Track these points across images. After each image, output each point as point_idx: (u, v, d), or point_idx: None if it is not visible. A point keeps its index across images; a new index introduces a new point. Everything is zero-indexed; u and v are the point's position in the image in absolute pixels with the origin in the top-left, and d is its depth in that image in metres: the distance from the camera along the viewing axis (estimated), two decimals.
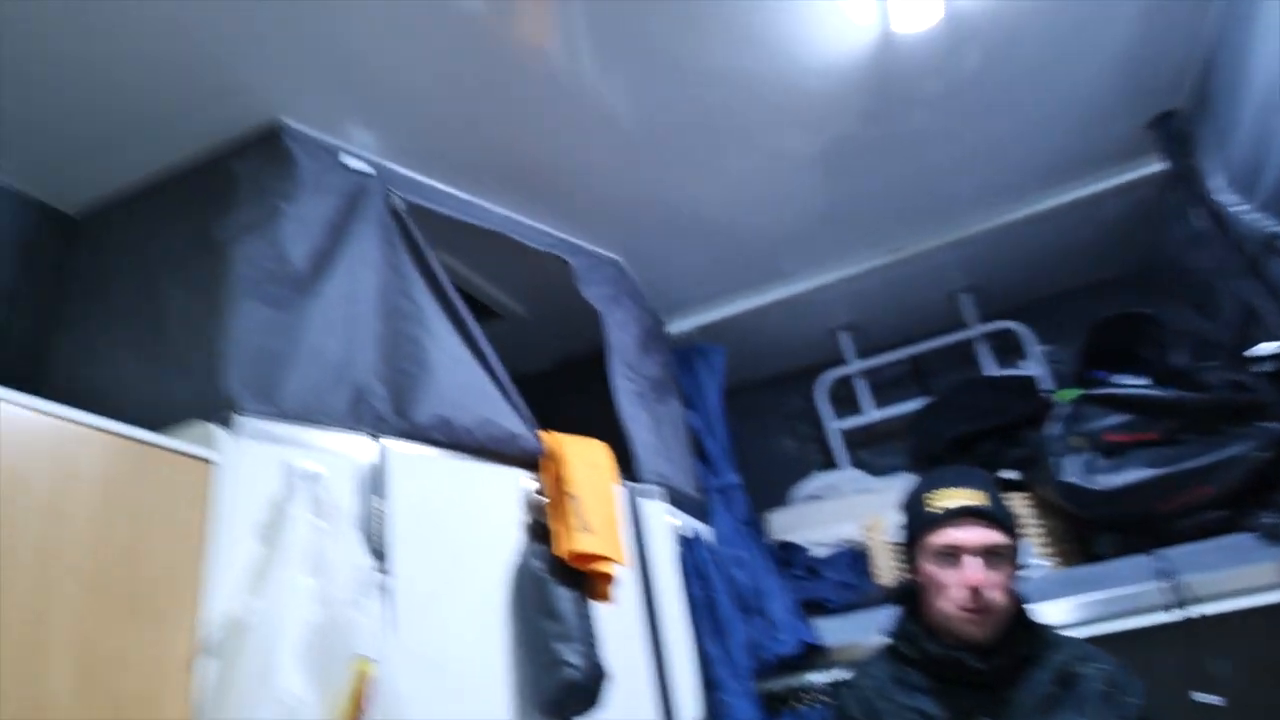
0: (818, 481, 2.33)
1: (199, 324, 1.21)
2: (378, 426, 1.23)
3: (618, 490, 1.49)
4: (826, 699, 1.70)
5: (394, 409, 1.26)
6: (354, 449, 1.18)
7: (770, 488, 2.44)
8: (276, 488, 1.05)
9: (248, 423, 1.09)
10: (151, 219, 1.47)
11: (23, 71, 1.28)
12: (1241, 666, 1.54)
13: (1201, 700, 1.51)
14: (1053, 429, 1.78)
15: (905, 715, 1.41)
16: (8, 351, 1.40)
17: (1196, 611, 1.54)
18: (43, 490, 0.86)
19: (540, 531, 1.31)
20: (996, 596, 1.36)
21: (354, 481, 1.15)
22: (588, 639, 1.20)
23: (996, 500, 1.41)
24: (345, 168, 1.46)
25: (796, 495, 2.33)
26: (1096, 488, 1.67)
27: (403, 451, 1.24)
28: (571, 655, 1.17)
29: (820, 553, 2.06)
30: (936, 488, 1.42)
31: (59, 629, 0.83)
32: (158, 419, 1.06)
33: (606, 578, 1.29)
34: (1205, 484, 1.61)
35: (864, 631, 1.72)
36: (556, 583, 1.22)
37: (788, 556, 2.05)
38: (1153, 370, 1.80)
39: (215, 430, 1.06)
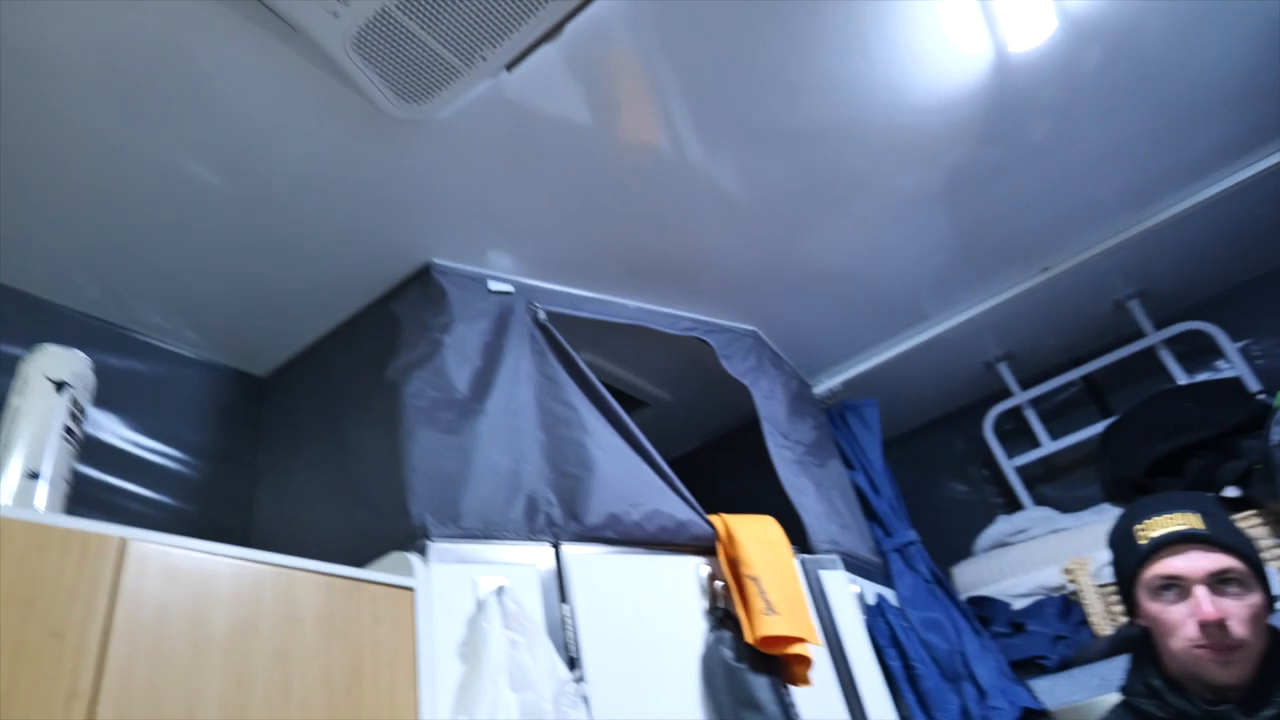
0: (1002, 526, 2.14)
1: (382, 459, 1.29)
2: (553, 532, 1.25)
3: (796, 564, 1.44)
4: None
5: (566, 513, 1.29)
6: (533, 557, 1.21)
7: (951, 540, 2.27)
8: (470, 607, 1.08)
9: (437, 546, 1.14)
10: (330, 369, 1.62)
11: (208, 251, 1.45)
12: None
13: None
14: (1278, 434, 1.56)
15: None
16: (218, 508, 1.55)
17: None
18: (269, 634, 0.93)
19: (725, 618, 1.28)
20: (1239, 630, 1.18)
21: (538, 590, 1.17)
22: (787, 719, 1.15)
23: (1218, 519, 1.25)
24: (490, 291, 1.56)
25: (981, 545, 2.16)
26: None
27: (579, 553, 1.26)
28: None
29: (1021, 605, 1.88)
30: (1143, 518, 1.28)
31: None
32: (358, 554, 1.14)
33: (802, 660, 1.23)
34: None
35: (1088, 689, 1.55)
36: (750, 670, 1.18)
37: (985, 613, 1.89)
38: None
39: (412, 558, 1.12)
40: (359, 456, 1.38)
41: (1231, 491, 1.73)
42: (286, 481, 1.56)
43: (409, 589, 1.07)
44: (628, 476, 1.41)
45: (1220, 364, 2.21)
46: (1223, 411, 1.83)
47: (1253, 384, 2.05)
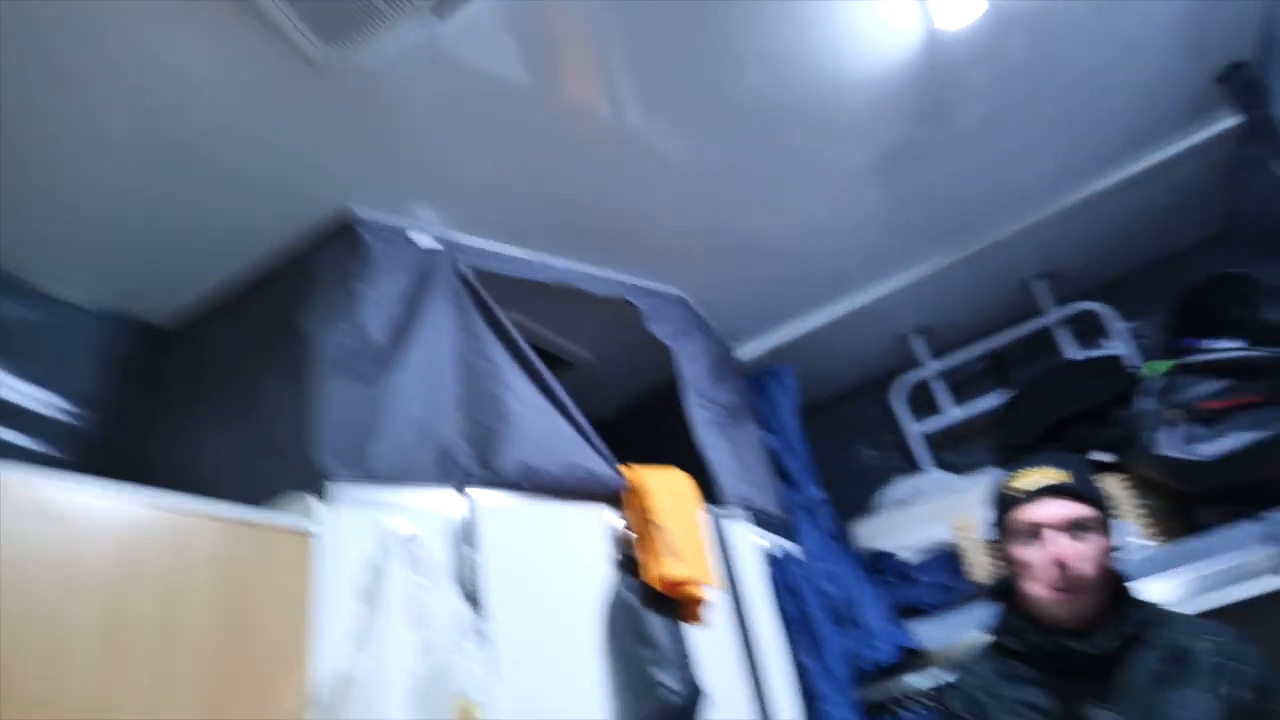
0: (902, 487, 2.27)
1: (290, 405, 1.30)
2: (464, 480, 1.29)
3: (702, 516, 1.51)
4: (929, 702, 1.65)
5: (478, 461, 1.33)
6: (443, 504, 1.25)
7: (856, 499, 2.40)
8: (373, 550, 1.11)
9: (340, 489, 1.16)
10: (242, 320, 1.59)
11: (109, 198, 1.41)
12: None
13: None
14: (1144, 404, 1.70)
15: (1013, 709, 1.37)
16: (109, 459, 1.48)
17: None
18: (156, 574, 0.92)
19: (630, 565, 1.35)
20: (1086, 570, 1.31)
21: (446, 535, 1.21)
22: (683, 661, 1.22)
23: (1080, 475, 1.37)
24: (414, 245, 1.57)
25: (882, 503, 2.28)
26: (1198, 458, 1.58)
27: (490, 502, 1.31)
28: (668, 678, 1.19)
29: (911, 558, 2.01)
30: (1014, 473, 1.40)
31: (180, 702, 0.89)
32: (256, 496, 1.13)
33: (698, 601, 1.31)
34: None
35: (962, 631, 1.68)
36: (649, 610, 1.25)
37: (878, 564, 2.01)
38: (1247, 330, 1.70)
39: (311, 501, 1.13)
40: (267, 406, 1.37)
41: (1103, 456, 1.87)
42: (186, 432, 1.54)
43: (307, 532, 1.09)
44: (544, 429, 1.46)
45: (1107, 342, 2.35)
46: (1103, 385, 1.96)
47: (1136, 361, 2.19)
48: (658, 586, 1.26)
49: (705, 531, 1.46)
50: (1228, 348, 1.66)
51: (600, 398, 2.42)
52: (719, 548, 1.61)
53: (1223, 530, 1.58)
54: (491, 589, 1.20)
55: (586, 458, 1.46)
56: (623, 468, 1.51)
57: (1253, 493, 1.56)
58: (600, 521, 1.43)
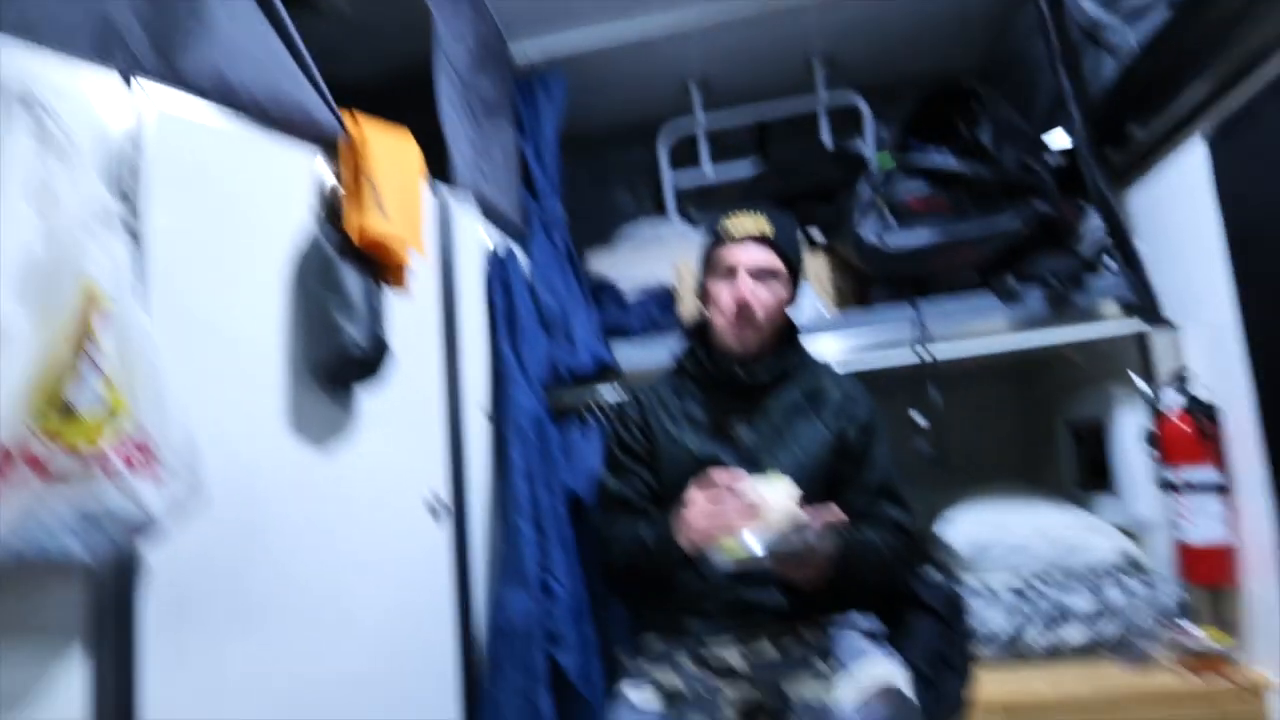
0: (643, 228, 2.35)
1: None
2: (133, 66, 1.07)
3: (424, 188, 1.43)
4: (611, 412, 1.83)
5: (155, 51, 1.09)
6: (102, 89, 1.03)
7: (598, 234, 2.45)
8: None
9: None
10: None
11: None
12: (954, 400, 1.79)
13: (914, 416, 1.75)
14: (863, 191, 1.84)
15: (675, 417, 1.56)
16: None
17: (936, 353, 1.74)
18: None
19: (334, 219, 1.25)
20: (761, 312, 1.46)
21: (101, 131, 1.01)
22: (372, 315, 1.20)
23: (783, 231, 1.48)
24: None
25: (620, 240, 2.35)
26: (886, 248, 1.78)
27: (170, 106, 1.10)
28: (352, 327, 1.16)
29: (631, 291, 2.12)
30: (726, 218, 1.48)
31: None
32: None
33: (400, 264, 1.26)
34: (972, 250, 1.76)
35: (658, 358, 1.83)
36: (346, 264, 1.18)
37: (600, 292, 2.11)
38: (961, 144, 1.87)
39: None
40: None
41: (816, 233, 2.06)
42: None
43: None
44: (253, 45, 1.23)
45: (859, 141, 2.50)
46: (842, 174, 2.10)
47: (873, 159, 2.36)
48: (356, 239, 1.19)
49: (424, 203, 1.38)
50: (938, 157, 1.82)
51: (347, 59, 2.12)
52: (439, 227, 1.57)
53: (884, 308, 1.84)
54: (155, 195, 1.04)
55: (302, 91, 1.27)
56: (345, 114, 1.34)
57: (916, 283, 1.82)
58: (308, 167, 1.29)
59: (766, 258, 1.47)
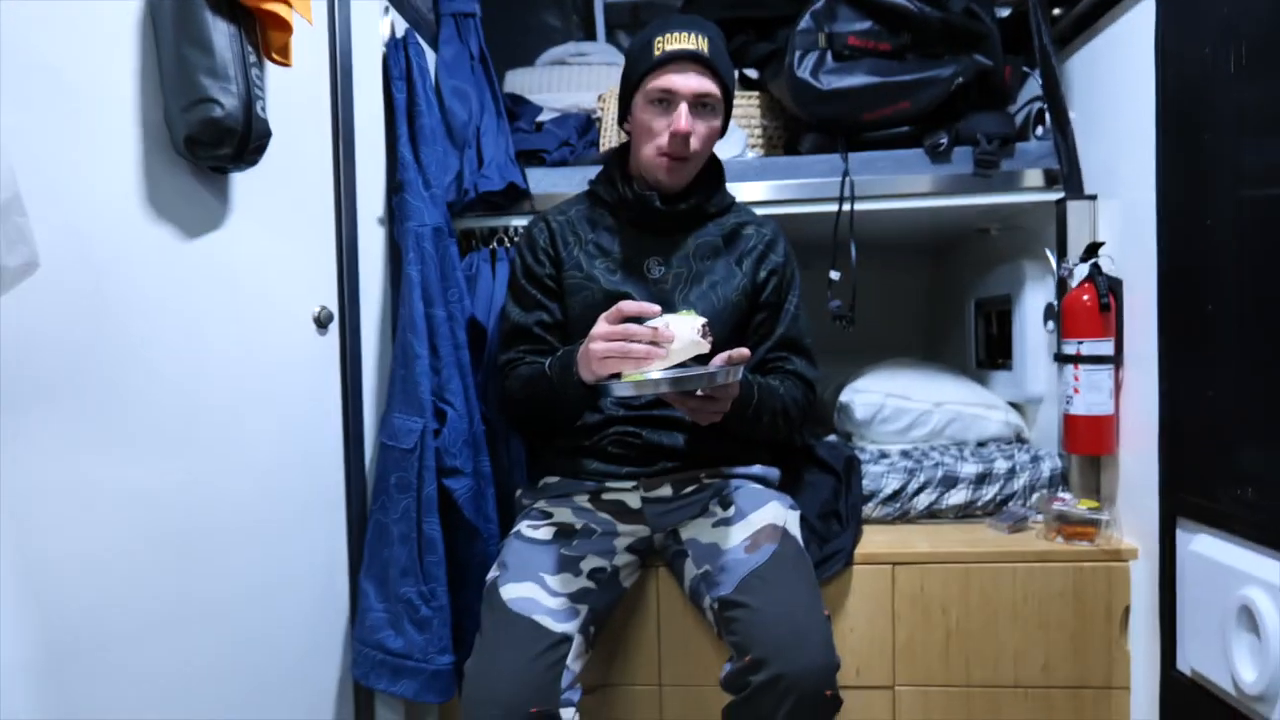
0: (568, 47, 2.21)
1: None
2: None
3: None
4: (517, 239, 1.77)
5: None
6: None
7: (518, 52, 2.29)
8: None
9: None
10: None
11: None
12: (871, 276, 1.83)
13: (831, 275, 1.79)
14: (804, 24, 1.77)
15: (585, 248, 1.51)
16: None
17: (861, 206, 1.76)
18: None
19: None
20: (697, 145, 1.42)
21: None
22: (245, 84, 1.07)
23: (718, 49, 1.41)
24: None
25: (542, 59, 2.21)
26: (820, 86, 1.74)
27: None
28: (221, 94, 1.04)
29: (549, 114, 2.02)
30: (663, 32, 1.39)
31: None
32: None
33: (281, 27, 1.13)
34: (906, 99, 1.73)
35: (573, 185, 1.77)
36: (211, 11, 1.05)
37: (516, 109, 1.99)
38: None
39: None
40: None
41: (751, 72, 2.00)
42: None
43: None
44: None
45: None
46: (783, 1, 2.02)
47: None
48: None
49: None
50: None
51: None
52: (331, 3, 1.39)
53: (811, 157, 1.83)
54: None
55: None
56: None
57: (846, 130, 1.80)
58: None
59: (705, 84, 1.38)
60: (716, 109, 1.43)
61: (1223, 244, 1.25)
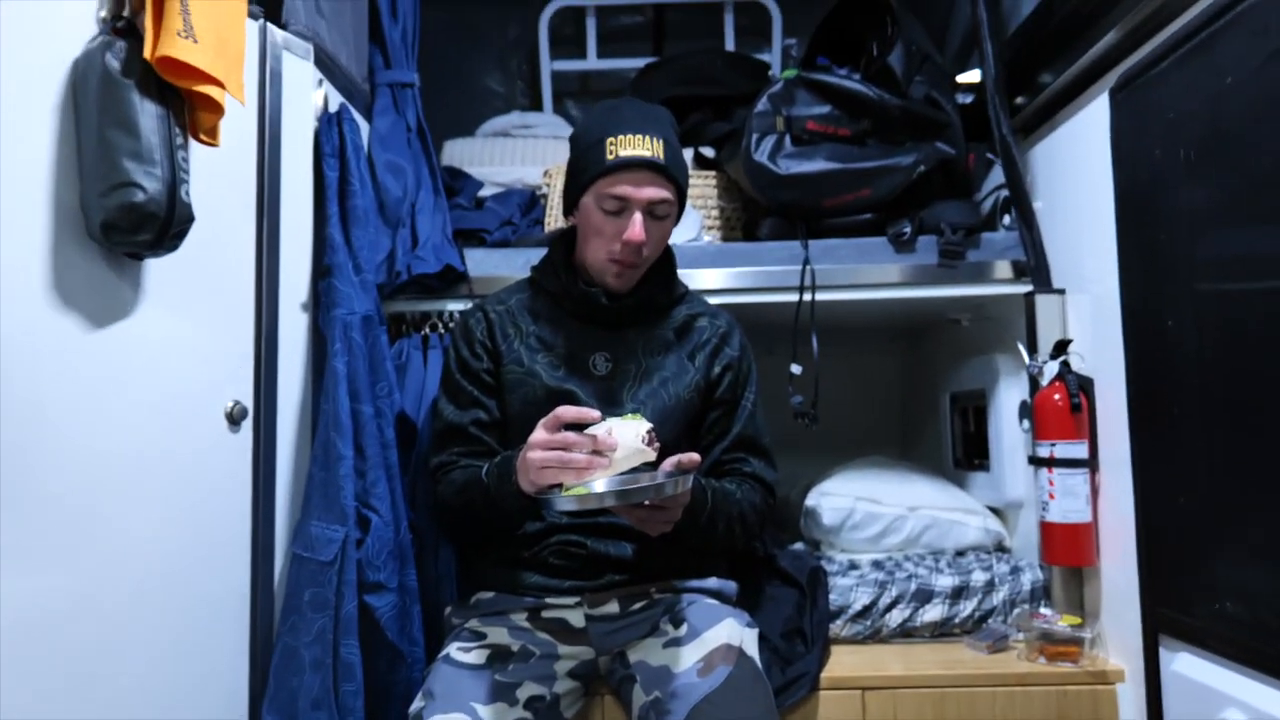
0: (512, 118, 2.38)
1: None
2: None
3: (250, 24, 1.40)
4: (451, 325, 1.86)
5: None
6: None
7: (458, 120, 2.45)
8: None
9: None
10: None
11: None
12: (837, 365, 1.96)
13: (792, 369, 1.93)
14: (761, 105, 1.97)
15: (526, 340, 1.62)
16: None
17: (822, 296, 1.92)
18: None
19: (125, 29, 1.19)
20: (649, 250, 1.56)
21: None
22: (170, 169, 1.17)
23: (674, 151, 1.55)
24: None
25: (484, 129, 2.38)
26: (779, 170, 1.92)
27: None
28: (144, 178, 1.13)
29: (490, 189, 2.16)
30: (616, 132, 1.50)
31: None
32: None
33: (211, 108, 1.23)
34: (867, 186, 1.92)
35: (515, 268, 1.88)
36: (138, 92, 1.15)
37: (455, 184, 2.12)
38: (870, 66, 2.03)
39: None
40: None
41: (707, 151, 2.18)
42: None
43: None
44: None
45: (766, 49, 2.64)
46: (740, 80, 2.23)
47: (777, 72, 2.51)
48: (158, 68, 1.15)
49: (245, 39, 1.34)
50: (843, 76, 1.98)
51: None
52: (266, 77, 1.50)
53: (770, 244, 1.99)
54: None
55: None
56: None
57: (806, 216, 1.97)
58: None
59: (660, 192, 1.50)
60: (670, 214, 1.57)
61: (1183, 343, 1.41)
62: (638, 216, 1.49)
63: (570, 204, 1.61)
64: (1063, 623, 1.74)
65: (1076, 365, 1.76)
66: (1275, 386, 1.21)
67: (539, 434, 1.31)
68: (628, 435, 1.27)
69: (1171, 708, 1.45)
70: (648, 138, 1.50)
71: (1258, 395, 1.24)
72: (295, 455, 1.60)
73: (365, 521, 1.51)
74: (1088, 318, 1.77)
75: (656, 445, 1.29)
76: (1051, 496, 1.74)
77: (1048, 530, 1.76)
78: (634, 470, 1.32)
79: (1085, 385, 1.74)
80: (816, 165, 1.92)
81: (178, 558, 1.33)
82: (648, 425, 1.29)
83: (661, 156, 1.50)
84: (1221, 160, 1.32)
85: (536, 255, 1.75)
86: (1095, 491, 1.73)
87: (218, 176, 1.40)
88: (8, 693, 1.05)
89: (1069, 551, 1.75)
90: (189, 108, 1.24)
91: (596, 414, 1.31)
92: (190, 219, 1.22)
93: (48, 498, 1.10)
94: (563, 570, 1.53)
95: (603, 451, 1.26)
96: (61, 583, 1.13)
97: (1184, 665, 1.41)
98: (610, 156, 1.49)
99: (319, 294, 1.61)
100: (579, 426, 1.31)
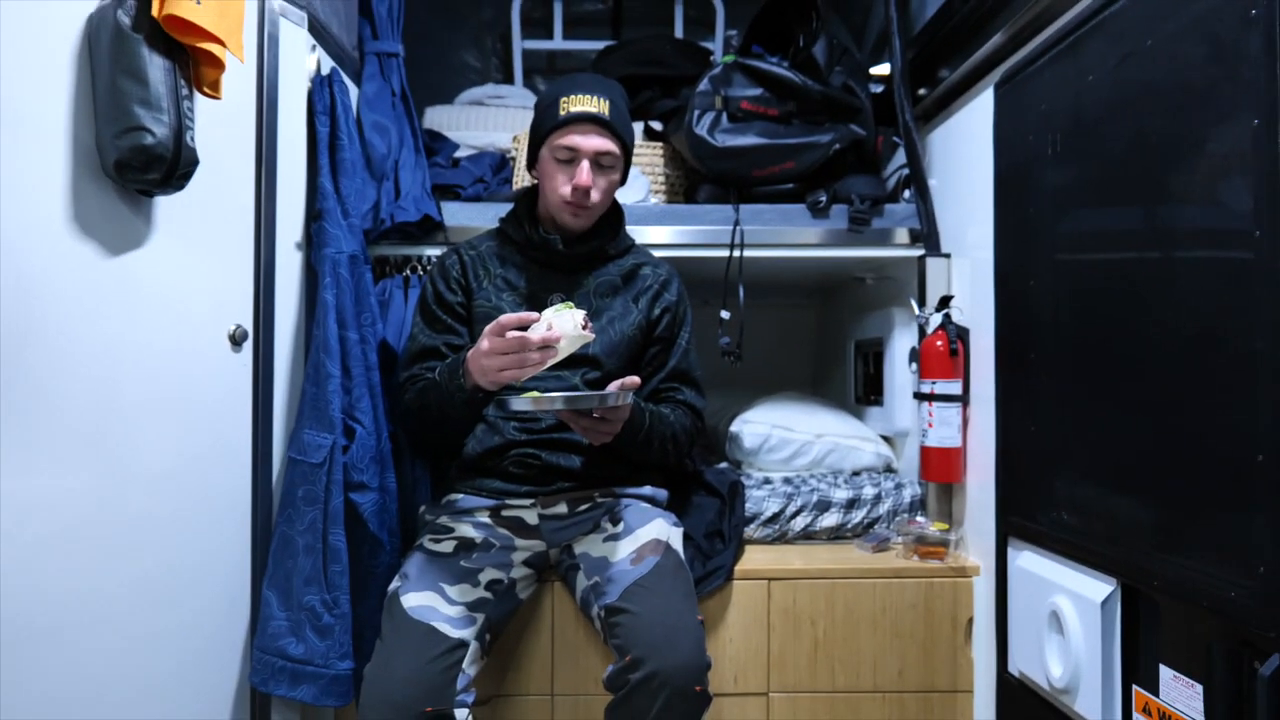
0: (487, 89, 2.35)
1: None
2: None
3: None
4: (429, 267, 1.87)
5: None
6: None
7: (438, 90, 2.41)
8: None
9: None
10: None
11: None
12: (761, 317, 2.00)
13: (721, 314, 1.97)
14: (703, 86, 1.97)
15: (494, 281, 1.63)
16: None
17: (749, 253, 1.95)
18: None
19: None
20: (597, 197, 1.57)
21: None
22: (176, 116, 1.15)
23: (620, 111, 1.57)
24: None
25: (462, 98, 2.34)
26: (716, 143, 1.93)
27: None
28: (153, 123, 1.11)
29: (465, 151, 2.14)
30: (569, 93, 1.54)
31: None
32: None
33: (214, 63, 1.21)
34: (791, 159, 1.95)
35: (486, 220, 1.89)
36: (147, 46, 1.12)
37: (434, 145, 2.10)
38: (796, 56, 2.04)
39: None
40: None
41: (656, 124, 2.18)
42: None
43: None
44: None
45: (709, 38, 2.63)
46: (684, 63, 2.22)
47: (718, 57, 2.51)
48: (160, 21, 1.12)
49: (243, 2, 1.31)
50: (773, 63, 1.99)
51: None
52: (264, 41, 1.47)
53: (707, 206, 2.01)
54: None
55: None
56: None
57: (738, 184, 1.99)
58: None
59: (605, 144, 1.53)
60: (615, 165, 1.58)
61: (1041, 302, 1.47)
62: (585, 164, 1.52)
63: (532, 159, 1.62)
64: (934, 528, 1.84)
65: (956, 318, 1.82)
66: (1107, 341, 1.28)
67: (488, 341, 1.31)
68: (566, 324, 1.27)
69: (1015, 595, 1.55)
70: (595, 98, 1.54)
71: (1094, 347, 1.31)
72: (290, 373, 1.60)
73: (351, 431, 1.52)
74: (968, 278, 1.83)
75: (591, 327, 1.31)
76: (930, 425, 1.81)
77: (926, 453, 1.84)
78: (580, 387, 1.33)
79: (963, 334, 1.80)
80: (748, 140, 1.93)
81: (189, 460, 1.34)
82: (581, 311, 1.29)
83: (607, 114, 1.53)
84: (1080, 148, 1.36)
85: (505, 209, 1.75)
86: (965, 422, 1.81)
87: (222, 128, 1.38)
88: (48, 574, 1.07)
89: (942, 470, 1.83)
90: (193, 63, 1.21)
91: (534, 314, 1.31)
92: (195, 162, 1.21)
93: (70, 411, 1.11)
94: (520, 477, 1.57)
95: (550, 344, 1.27)
96: (87, 484, 1.14)
97: (1026, 561, 1.50)
98: (563, 113, 1.52)
99: (311, 235, 1.60)
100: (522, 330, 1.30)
